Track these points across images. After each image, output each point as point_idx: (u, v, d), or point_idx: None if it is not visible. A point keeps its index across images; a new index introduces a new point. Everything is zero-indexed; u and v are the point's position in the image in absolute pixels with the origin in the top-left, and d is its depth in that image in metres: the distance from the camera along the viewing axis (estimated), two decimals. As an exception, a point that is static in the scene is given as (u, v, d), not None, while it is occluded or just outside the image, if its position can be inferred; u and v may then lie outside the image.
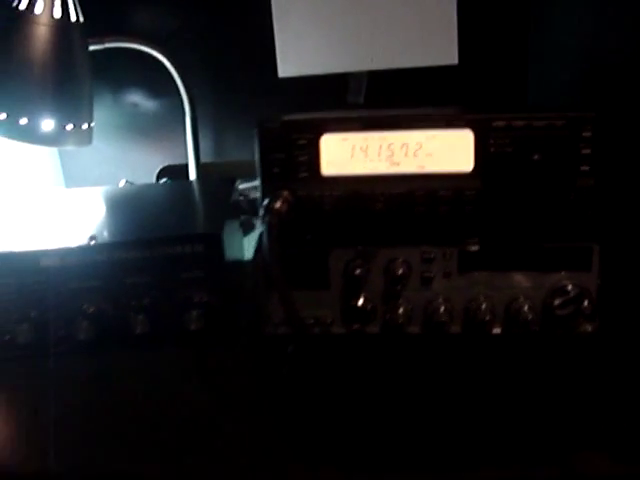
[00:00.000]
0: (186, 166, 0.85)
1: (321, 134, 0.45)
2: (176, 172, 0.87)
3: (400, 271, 0.46)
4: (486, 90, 0.84)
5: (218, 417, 0.45)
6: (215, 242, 0.54)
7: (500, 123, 0.43)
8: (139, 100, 0.91)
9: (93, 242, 0.54)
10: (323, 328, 0.49)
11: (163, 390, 0.50)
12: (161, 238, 0.54)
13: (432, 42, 0.76)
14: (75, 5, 0.71)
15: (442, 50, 0.76)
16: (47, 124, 0.72)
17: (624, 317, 0.50)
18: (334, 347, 0.49)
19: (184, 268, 0.54)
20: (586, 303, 0.46)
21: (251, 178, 0.84)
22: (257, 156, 0.45)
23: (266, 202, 0.43)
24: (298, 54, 0.80)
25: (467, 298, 0.47)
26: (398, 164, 0.45)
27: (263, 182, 0.45)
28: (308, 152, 0.45)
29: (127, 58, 0.82)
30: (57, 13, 0.69)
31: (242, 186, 0.78)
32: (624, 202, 0.54)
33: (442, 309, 0.47)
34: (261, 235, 0.47)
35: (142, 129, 0.91)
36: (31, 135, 0.71)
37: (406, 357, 0.49)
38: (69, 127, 0.74)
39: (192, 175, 0.85)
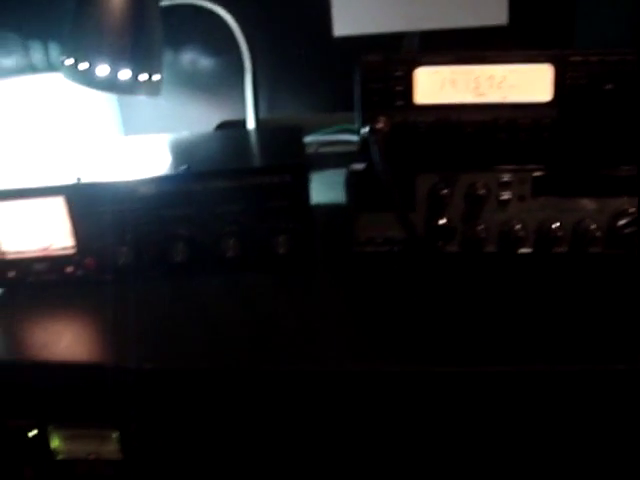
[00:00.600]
0: (243, 122, 0.90)
1: (415, 67, 0.50)
2: (233, 127, 0.91)
3: (480, 194, 0.51)
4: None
5: (316, 325, 0.50)
6: (301, 172, 0.58)
7: (577, 58, 0.48)
8: (198, 56, 0.95)
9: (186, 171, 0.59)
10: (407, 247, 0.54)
11: (257, 304, 0.55)
12: (252, 168, 0.59)
13: (482, 3, 0.81)
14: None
15: (492, 11, 0.81)
16: (124, 74, 0.76)
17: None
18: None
19: (271, 197, 0.59)
20: (646, 224, 0.51)
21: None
22: (358, 87, 0.50)
23: (369, 126, 0.48)
24: (353, 14, 0.85)
25: (539, 220, 0.52)
26: (483, 95, 0.50)
27: (363, 110, 0.50)
28: (403, 83, 0.50)
29: (187, 15, 0.86)
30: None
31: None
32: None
33: (517, 229, 0.52)
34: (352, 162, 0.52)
35: (200, 85, 0.96)
36: (109, 84, 0.76)
37: (481, 274, 0.54)
38: (143, 77, 0.78)
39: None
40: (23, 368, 0.52)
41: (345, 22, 0.85)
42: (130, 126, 0.98)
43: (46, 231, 0.61)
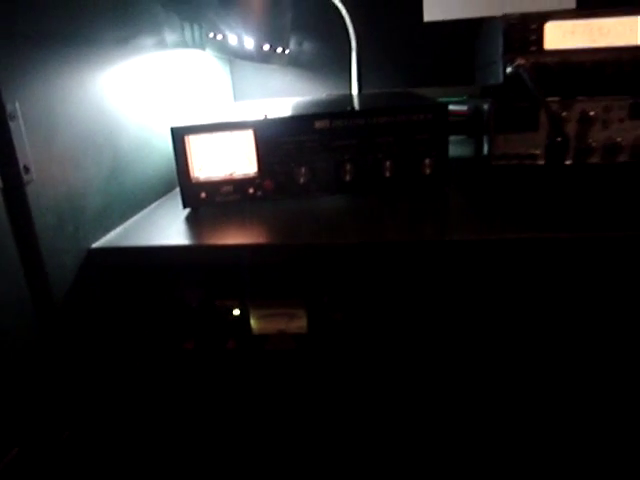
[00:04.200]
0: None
1: (545, 22, 0.68)
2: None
3: (590, 115, 0.69)
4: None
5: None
6: (442, 111, 0.76)
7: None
8: (305, 37, 1.12)
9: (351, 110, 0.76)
10: (531, 160, 0.72)
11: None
12: (404, 107, 0.76)
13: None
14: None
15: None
16: (265, 47, 0.94)
17: None
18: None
19: (418, 131, 0.76)
20: None
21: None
22: (501, 39, 0.68)
23: (516, 63, 0.66)
24: (440, 2, 1.04)
25: (635, 137, 0.70)
26: (595, 41, 0.68)
27: (505, 54, 0.68)
28: (536, 34, 0.68)
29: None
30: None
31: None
32: None
33: (617, 141, 0.70)
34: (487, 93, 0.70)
35: (306, 63, 1.13)
36: (253, 55, 0.94)
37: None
38: (278, 50, 0.96)
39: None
40: (226, 250, 0.64)
41: (433, 10, 1.04)
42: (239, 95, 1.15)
43: (234, 159, 0.77)
